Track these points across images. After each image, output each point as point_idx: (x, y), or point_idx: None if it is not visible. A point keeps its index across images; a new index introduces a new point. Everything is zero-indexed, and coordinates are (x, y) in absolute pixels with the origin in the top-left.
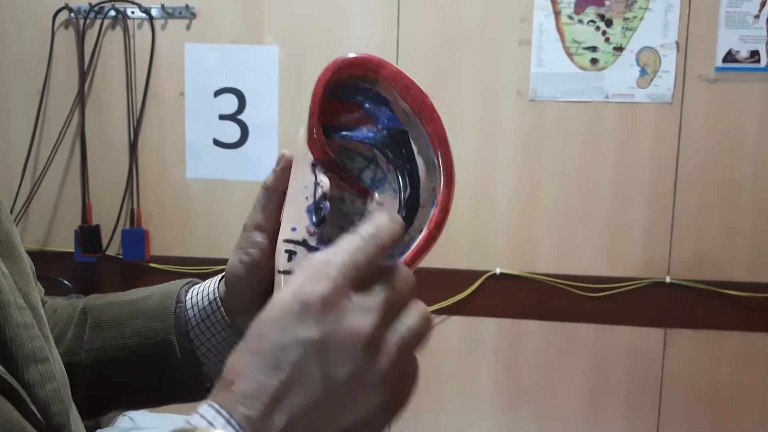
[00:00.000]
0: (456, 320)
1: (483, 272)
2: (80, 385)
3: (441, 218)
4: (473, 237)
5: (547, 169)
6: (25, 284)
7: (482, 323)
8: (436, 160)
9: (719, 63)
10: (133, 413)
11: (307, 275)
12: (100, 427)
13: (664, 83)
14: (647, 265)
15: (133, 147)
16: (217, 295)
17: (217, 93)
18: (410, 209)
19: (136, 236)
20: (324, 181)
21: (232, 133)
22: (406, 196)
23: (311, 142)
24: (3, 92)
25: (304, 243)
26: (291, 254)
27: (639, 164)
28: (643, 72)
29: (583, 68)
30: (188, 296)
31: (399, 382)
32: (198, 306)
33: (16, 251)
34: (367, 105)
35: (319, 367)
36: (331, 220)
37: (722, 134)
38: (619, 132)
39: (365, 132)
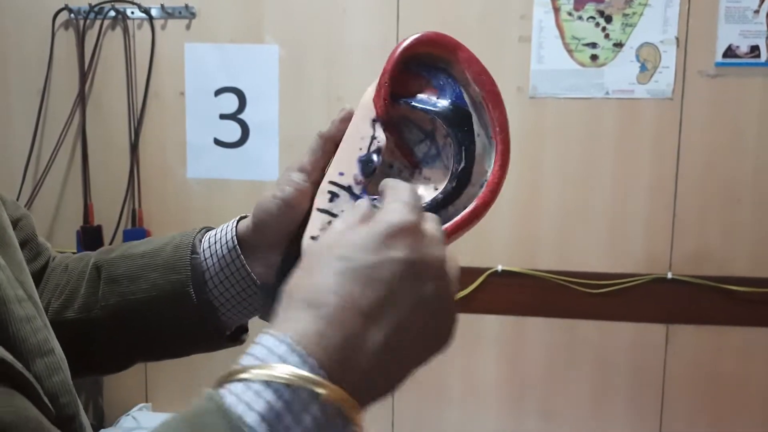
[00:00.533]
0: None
1: (485, 269)
2: (98, 341)
3: (489, 198)
4: (475, 234)
5: (548, 165)
6: (20, 273)
7: (484, 320)
8: (494, 145)
9: (719, 58)
10: (136, 413)
11: (393, 209)
12: (103, 427)
13: (665, 79)
14: (649, 261)
15: (134, 147)
16: (235, 242)
17: (218, 92)
18: (461, 182)
19: (137, 236)
20: (381, 137)
21: (232, 132)
22: (460, 168)
23: (377, 98)
24: (4, 93)
25: (348, 189)
26: (333, 196)
27: (640, 160)
28: (643, 68)
29: (583, 65)
30: (204, 245)
31: (456, 310)
32: (216, 255)
33: (8, 238)
34: (437, 82)
35: (412, 286)
36: (375, 183)
37: (723, 129)
38: (620, 128)
39: (431, 103)
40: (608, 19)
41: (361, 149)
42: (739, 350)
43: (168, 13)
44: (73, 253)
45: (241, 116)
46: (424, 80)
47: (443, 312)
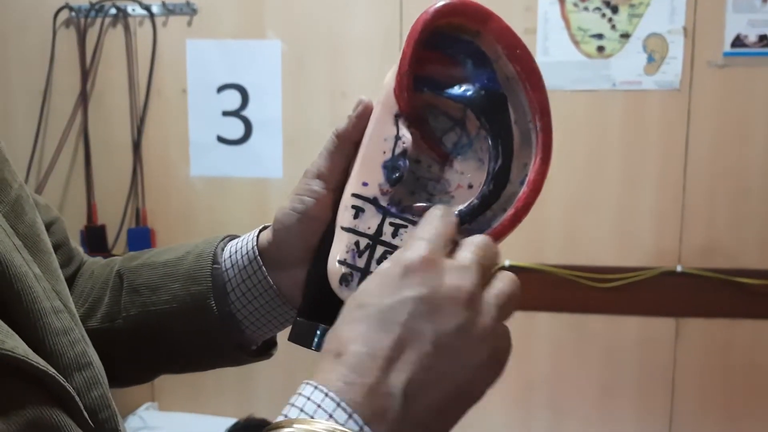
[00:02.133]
0: None
1: None
2: (122, 351)
3: (531, 199)
4: None
5: (554, 159)
6: (56, 282)
7: None
8: (534, 134)
9: (727, 48)
10: (143, 412)
11: (400, 249)
12: None
13: (672, 70)
14: (658, 254)
15: (136, 146)
16: (256, 253)
17: (220, 89)
18: (498, 183)
19: (141, 235)
20: (407, 136)
21: (235, 129)
22: (497, 167)
23: (399, 90)
24: (6, 93)
25: (374, 201)
26: (358, 211)
27: (647, 152)
28: (650, 59)
29: (589, 56)
30: (225, 254)
31: (498, 342)
32: (237, 266)
33: (43, 245)
34: (464, 60)
35: (428, 322)
36: (403, 183)
37: (731, 120)
38: (627, 120)
39: (459, 88)
40: (614, 10)
41: (384, 153)
42: (749, 343)
43: (169, 10)
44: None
45: (243, 113)
46: (449, 58)
47: (474, 345)
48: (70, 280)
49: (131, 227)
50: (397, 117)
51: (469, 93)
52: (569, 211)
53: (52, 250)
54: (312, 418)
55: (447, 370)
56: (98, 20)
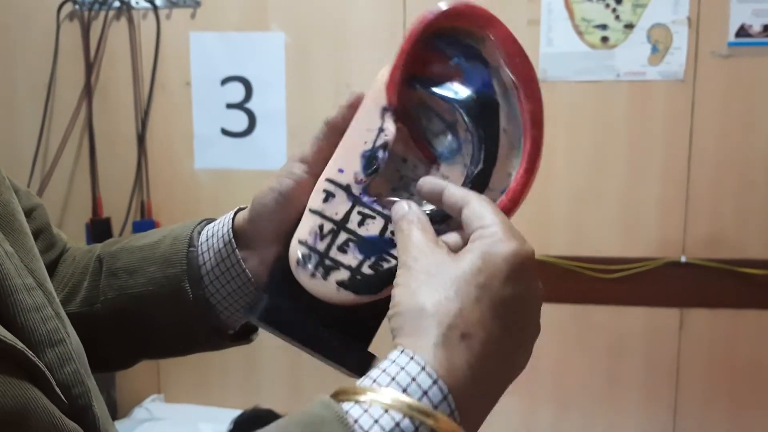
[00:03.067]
0: None
1: None
2: (102, 335)
3: (508, 207)
4: None
5: (559, 149)
6: (30, 260)
7: None
8: (522, 144)
9: (732, 38)
10: (149, 404)
11: (508, 232)
12: (116, 419)
13: (676, 60)
14: (662, 245)
15: (141, 138)
16: (231, 236)
17: (224, 82)
18: (475, 188)
19: (147, 228)
20: (389, 129)
21: (239, 121)
22: (475, 171)
23: (390, 84)
24: (10, 87)
25: (346, 188)
26: (328, 195)
27: (652, 143)
28: (654, 49)
29: (593, 47)
30: (202, 237)
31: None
32: (212, 249)
33: (17, 224)
34: (463, 63)
35: (530, 314)
36: (385, 176)
37: (736, 110)
38: (632, 110)
39: (452, 90)
40: (618, 0)
41: (366, 143)
42: (754, 334)
43: (172, 3)
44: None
45: (247, 105)
46: (447, 58)
47: (535, 337)
48: (53, 266)
49: (136, 220)
50: (384, 110)
51: (460, 96)
52: (573, 202)
53: (29, 231)
54: (405, 391)
55: (523, 350)
56: (102, 13)
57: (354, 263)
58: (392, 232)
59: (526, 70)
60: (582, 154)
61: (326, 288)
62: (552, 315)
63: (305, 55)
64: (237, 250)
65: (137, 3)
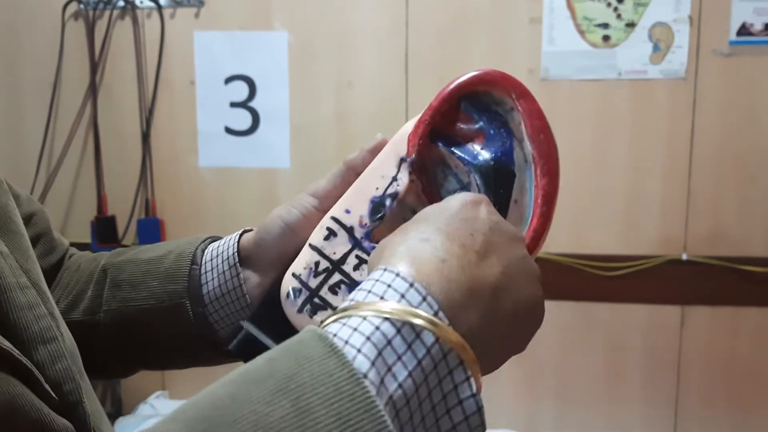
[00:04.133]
0: None
1: None
2: (103, 344)
3: None
4: None
5: (560, 148)
6: (25, 261)
7: None
8: (529, 218)
9: (733, 36)
10: (154, 401)
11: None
12: (121, 415)
13: (678, 59)
14: (663, 243)
15: (145, 137)
16: (236, 260)
17: (228, 80)
18: None
19: (151, 226)
20: (403, 180)
21: (243, 120)
22: None
23: (413, 136)
24: (16, 86)
25: (350, 230)
26: (330, 234)
27: (653, 141)
28: (656, 48)
29: (595, 45)
30: (206, 256)
31: (540, 292)
32: (216, 270)
33: (14, 226)
34: (487, 128)
35: (504, 242)
36: (390, 224)
37: (737, 108)
38: (633, 109)
39: (472, 153)
40: None
41: (377, 189)
42: (755, 331)
43: (176, 2)
44: (88, 244)
45: (251, 104)
46: (474, 122)
47: (532, 279)
48: (54, 270)
49: (141, 218)
50: (402, 160)
51: (479, 160)
52: (575, 200)
53: (24, 231)
54: (382, 298)
55: (517, 290)
56: (107, 12)
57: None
58: None
59: (548, 148)
60: (584, 153)
61: (310, 325)
62: (553, 312)
63: (308, 54)
64: (240, 275)
65: (141, 2)
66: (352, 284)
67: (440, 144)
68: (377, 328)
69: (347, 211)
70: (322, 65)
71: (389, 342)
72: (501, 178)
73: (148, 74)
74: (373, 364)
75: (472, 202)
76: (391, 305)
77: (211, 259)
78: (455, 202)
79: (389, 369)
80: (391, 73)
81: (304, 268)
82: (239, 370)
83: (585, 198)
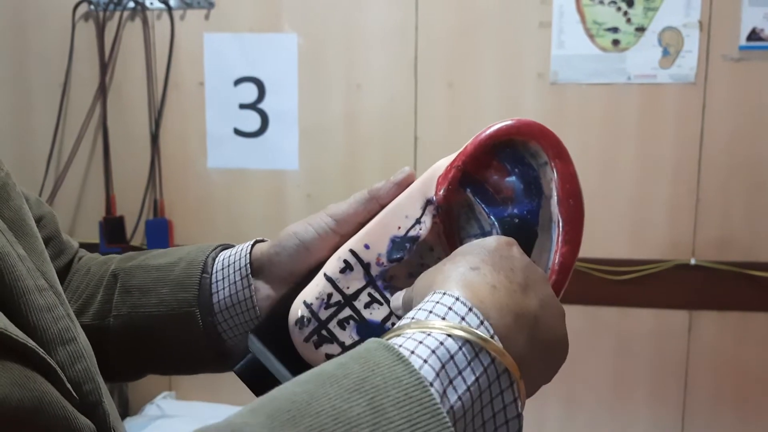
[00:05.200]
0: None
1: None
2: (111, 348)
3: None
4: None
5: (569, 151)
6: (41, 263)
7: None
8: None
9: (743, 42)
10: (161, 401)
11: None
12: (128, 415)
13: (687, 63)
14: (672, 247)
15: (154, 138)
16: (248, 271)
17: (237, 82)
18: None
19: (159, 226)
20: (426, 224)
21: (252, 122)
22: None
23: (443, 179)
24: (26, 86)
25: (366, 266)
26: (347, 267)
27: (662, 145)
28: (665, 52)
29: (604, 50)
30: (216, 266)
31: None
32: (228, 280)
33: (28, 228)
34: (517, 183)
35: (535, 275)
36: (405, 263)
37: (746, 114)
38: (642, 113)
39: (497, 204)
40: (630, 3)
41: (399, 228)
42: (762, 336)
43: (186, 4)
44: (96, 244)
45: (260, 106)
46: (505, 173)
47: (562, 319)
48: (63, 272)
49: (149, 218)
50: (428, 202)
51: (504, 214)
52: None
53: (38, 234)
54: (443, 319)
55: (551, 323)
56: (117, 14)
57: (348, 342)
58: (393, 324)
59: (576, 214)
60: (592, 156)
61: (314, 356)
62: None
63: (318, 56)
64: (252, 286)
65: (152, 4)
66: (361, 322)
67: (468, 190)
68: (441, 343)
69: (366, 246)
70: (331, 67)
71: (452, 357)
72: (523, 236)
73: (158, 75)
74: (437, 375)
75: (506, 242)
76: (454, 324)
77: (223, 269)
78: (492, 240)
79: (451, 382)
80: (400, 75)
81: (317, 298)
82: (309, 373)
83: (593, 201)
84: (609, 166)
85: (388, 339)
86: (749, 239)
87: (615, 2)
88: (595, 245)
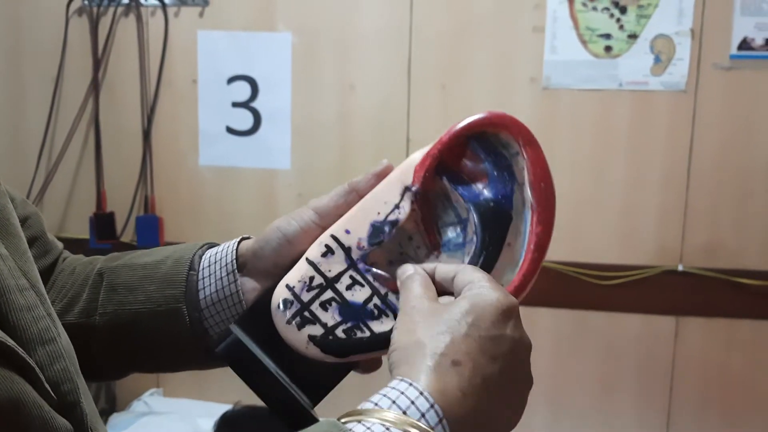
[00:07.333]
0: None
1: None
2: (97, 346)
3: None
4: None
5: (560, 156)
6: (23, 263)
7: None
8: (521, 262)
9: (734, 51)
10: (148, 398)
11: (495, 286)
12: (115, 411)
13: (679, 71)
14: (660, 253)
15: (146, 134)
16: (234, 267)
17: (230, 80)
18: None
19: (150, 223)
20: (404, 209)
21: (244, 120)
22: None
23: (420, 167)
24: (18, 81)
25: (347, 250)
26: (328, 251)
27: (652, 152)
28: (657, 60)
29: (597, 56)
30: (204, 262)
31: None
32: (214, 276)
33: (12, 228)
34: (491, 170)
35: (518, 360)
36: (386, 249)
37: (736, 122)
38: (633, 120)
39: (474, 191)
40: (623, 10)
41: (378, 213)
42: (749, 343)
43: (181, 1)
44: (86, 240)
45: (253, 104)
46: (479, 161)
47: (527, 388)
48: (48, 272)
49: (140, 215)
50: (406, 189)
51: (480, 199)
52: (573, 209)
53: (22, 234)
54: (404, 413)
55: (511, 409)
56: (111, 9)
57: (330, 323)
58: (375, 305)
59: (547, 196)
60: (583, 162)
61: (297, 337)
62: (549, 320)
63: (311, 55)
64: (238, 281)
65: (146, 0)
66: (343, 303)
67: (444, 178)
68: None
69: (347, 232)
70: (325, 68)
71: None
72: (498, 219)
73: (151, 72)
74: None
75: (504, 313)
76: (412, 422)
77: (209, 266)
78: (489, 312)
79: None
80: (393, 77)
81: (299, 281)
82: None
83: (583, 206)
84: (599, 171)
85: (348, 422)
86: (737, 247)
87: (608, 9)
88: (583, 249)
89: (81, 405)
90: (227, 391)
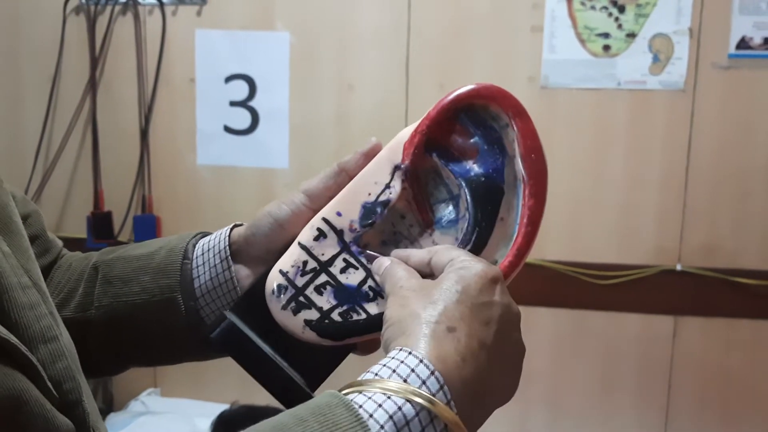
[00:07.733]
0: None
1: None
2: (94, 341)
3: None
4: None
5: (558, 156)
6: (26, 261)
7: None
8: (515, 236)
9: (732, 50)
10: (145, 398)
11: (476, 258)
12: (112, 411)
13: (677, 70)
14: (658, 253)
15: (144, 134)
16: (227, 254)
17: (228, 79)
18: None
19: (147, 222)
20: (395, 188)
21: (242, 119)
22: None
23: (409, 145)
24: (16, 79)
25: (339, 233)
26: (320, 235)
27: (651, 152)
28: (655, 59)
29: (595, 55)
30: (196, 251)
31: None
32: (208, 264)
33: (14, 226)
34: (481, 144)
35: (510, 325)
36: (379, 229)
37: (735, 122)
38: (631, 119)
39: (464, 166)
40: (621, 9)
41: (369, 194)
42: (747, 343)
43: (179, 0)
44: (83, 239)
45: (251, 103)
46: (469, 135)
47: (521, 355)
48: (48, 270)
49: (137, 214)
50: (396, 168)
51: (471, 174)
52: (572, 208)
53: (24, 232)
54: (405, 381)
55: (510, 368)
56: (108, 8)
57: (326, 306)
58: (370, 287)
59: (538, 168)
60: (581, 161)
61: (293, 323)
62: (547, 319)
63: (310, 55)
64: (232, 268)
65: None
66: (338, 286)
67: (434, 154)
68: (399, 408)
69: (339, 214)
70: (323, 67)
71: (407, 423)
72: (490, 194)
73: (149, 71)
74: None
75: (490, 280)
76: (413, 390)
77: (203, 254)
78: (474, 281)
79: None
80: (391, 76)
81: (292, 266)
82: (269, 425)
83: (581, 205)
84: (597, 170)
85: (349, 393)
86: (735, 246)
87: (606, 8)
88: (582, 249)
89: (83, 404)
90: (224, 391)
